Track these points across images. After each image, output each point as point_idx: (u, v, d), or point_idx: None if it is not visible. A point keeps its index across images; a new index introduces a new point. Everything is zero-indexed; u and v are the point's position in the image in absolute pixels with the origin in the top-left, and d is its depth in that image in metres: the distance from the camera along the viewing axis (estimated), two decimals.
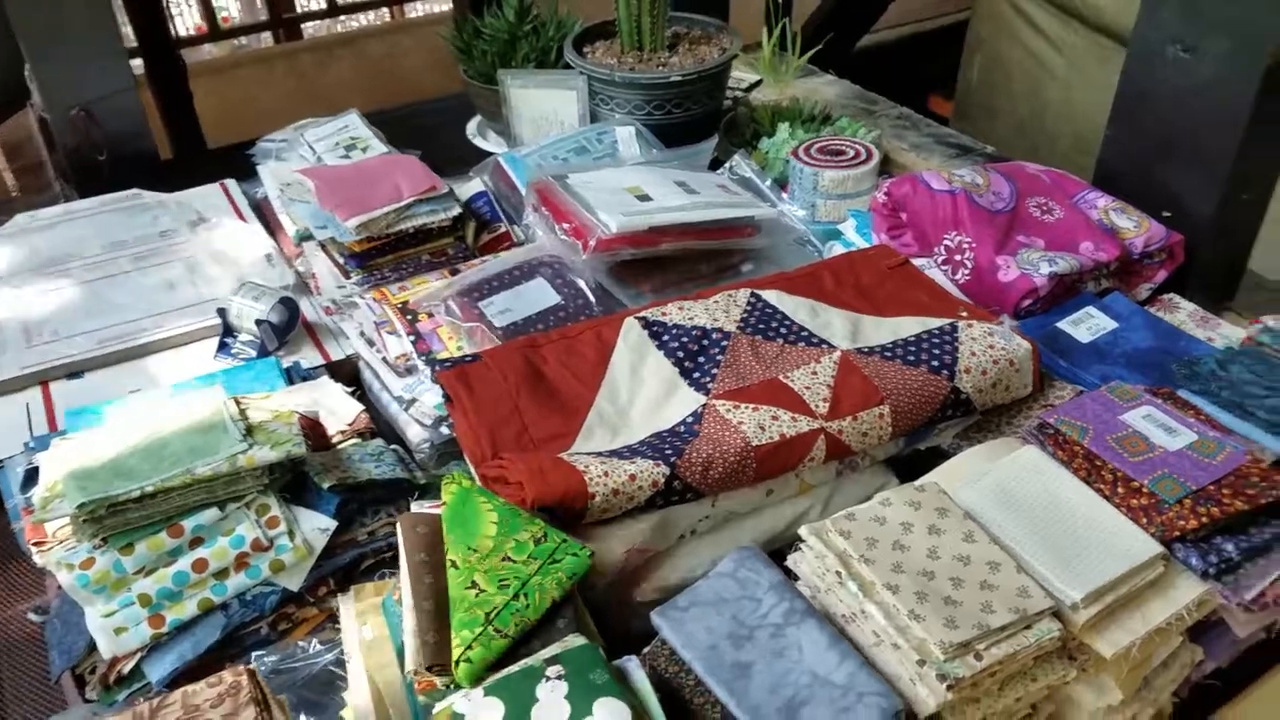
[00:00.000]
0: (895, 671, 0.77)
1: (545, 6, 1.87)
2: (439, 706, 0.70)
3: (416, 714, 0.79)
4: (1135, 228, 1.34)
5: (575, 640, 0.74)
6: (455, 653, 0.74)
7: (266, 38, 4.04)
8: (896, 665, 0.77)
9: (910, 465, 1.09)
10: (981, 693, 0.79)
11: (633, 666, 0.74)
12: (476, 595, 0.76)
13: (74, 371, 1.31)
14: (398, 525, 0.87)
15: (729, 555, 0.85)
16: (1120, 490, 0.93)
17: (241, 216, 1.60)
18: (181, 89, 2.73)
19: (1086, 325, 1.23)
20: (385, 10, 4.21)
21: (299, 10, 3.90)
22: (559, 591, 0.78)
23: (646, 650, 0.81)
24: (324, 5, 3.81)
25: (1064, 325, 1.23)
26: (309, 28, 4.12)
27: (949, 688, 0.74)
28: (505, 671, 0.72)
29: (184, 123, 2.72)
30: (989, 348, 1.08)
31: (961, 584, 0.81)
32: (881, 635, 0.79)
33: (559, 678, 0.70)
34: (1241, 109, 1.26)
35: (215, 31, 3.76)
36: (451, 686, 0.76)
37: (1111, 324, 1.23)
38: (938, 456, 1.08)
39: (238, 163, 1.71)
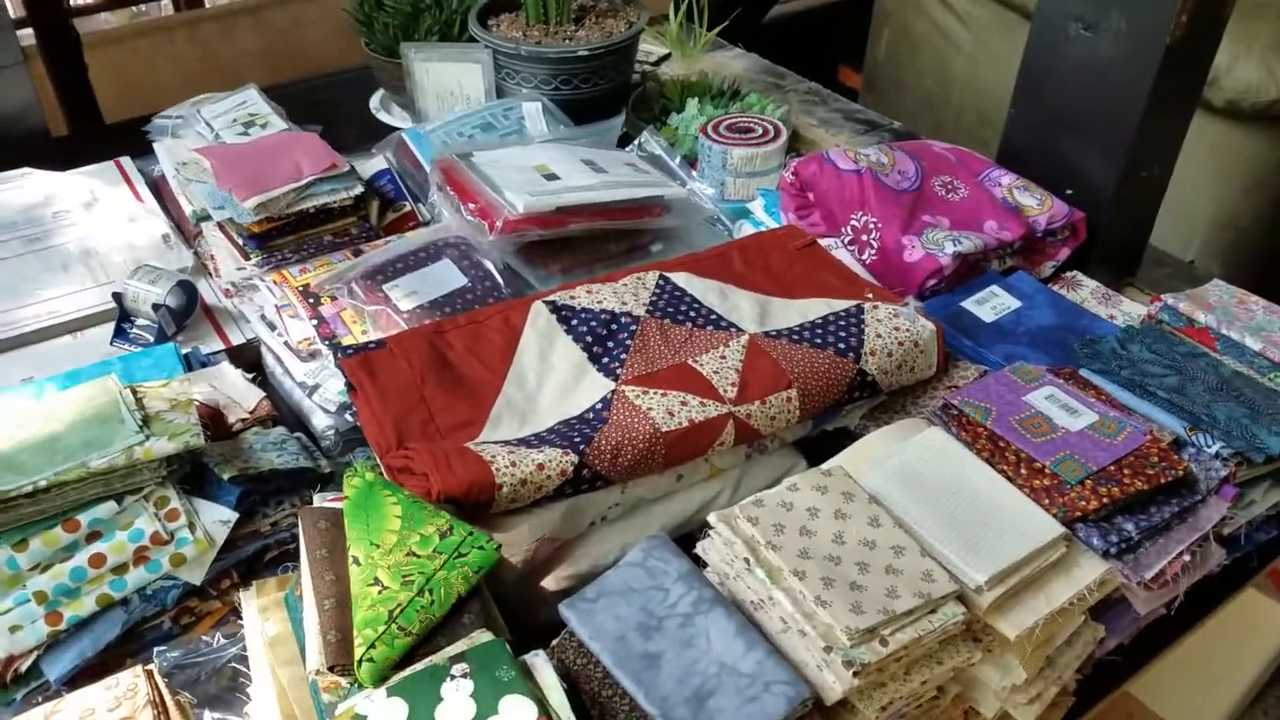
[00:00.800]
0: (802, 658, 0.78)
1: None
2: (341, 707, 0.69)
3: (321, 713, 0.77)
4: (1039, 206, 1.36)
5: (482, 636, 0.73)
6: (358, 652, 0.72)
7: (166, 6, 3.88)
8: (803, 652, 0.78)
9: (817, 446, 1.10)
10: (888, 677, 0.80)
11: (540, 661, 0.73)
12: (380, 592, 0.75)
13: None
14: (299, 520, 0.85)
15: (638, 545, 0.85)
16: (1023, 471, 0.95)
17: (138, 196, 1.53)
18: (76, 61, 2.60)
19: (990, 304, 1.25)
20: None
21: None
22: (465, 586, 0.77)
23: (555, 642, 0.80)
24: None
25: (968, 305, 1.25)
26: None
27: (855, 674, 0.75)
28: (409, 670, 0.71)
29: (79, 97, 2.59)
30: (894, 329, 1.09)
31: (867, 568, 0.82)
32: (789, 622, 0.79)
33: (464, 675, 0.69)
34: (1141, 87, 1.28)
35: None
36: (355, 686, 0.74)
37: (1015, 303, 1.26)
38: (846, 437, 1.09)
39: (134, 139, 1.64)
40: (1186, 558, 0.94)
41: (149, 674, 0.79)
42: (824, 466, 0.94)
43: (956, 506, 0.90)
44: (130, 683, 0.77)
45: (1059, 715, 0.97)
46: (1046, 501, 0.92)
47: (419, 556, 0.78)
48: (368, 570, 0.76)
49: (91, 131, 2.39)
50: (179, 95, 1.73)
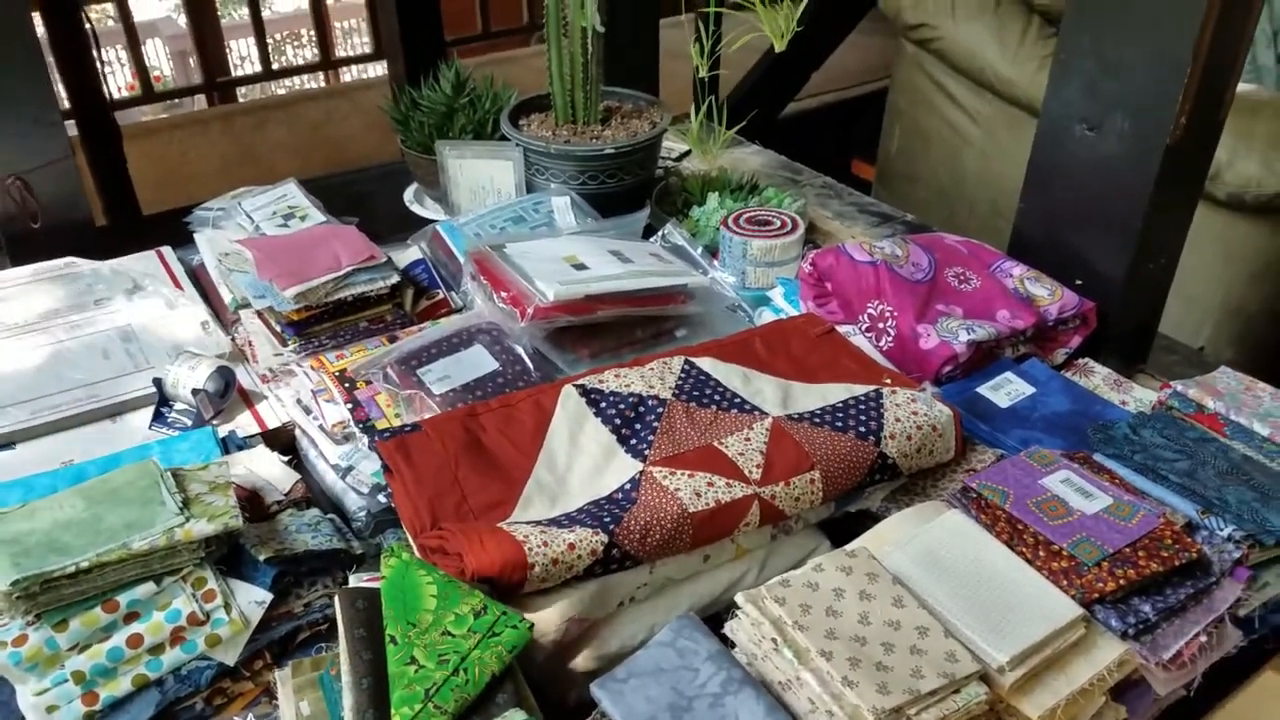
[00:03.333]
0: None
1: (480, 80, 1.91)
2: None
3: None
4: (1049, 295, 1.41)
5: (515, 716, 0.76)
6: None
7: (200, 100, 4.03)
8: None
9: (840, 527, 1.13)
10: None
11: None
12: (416, 671, 0.77)
13: (5, 443, 1.29)
14: (335, 600, 0.87)
15: (668, 625, 0.87)
16: (1041, 553, 0.98)
17: (178, 284, 1.60)
18: (115, 152, 2.71)
19: (1005, 390, 1.29)
20: (320, 75, 4.24)
21: (234, 74, 3.90)
22: (498, 665, 0.79)
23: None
24: (258, 69, 3.82)
25: (984, 390, 1.28)
26: (242, 91, 4.12)
27: None
28: None
29: (118, 187, 2.70)
30: (913, 414, 1.12)
31: (892, 649, 0.84)
32: (816, 703, 0.81)
33: None
34: (1145, 182, 1.33)
35: (149, 93, 3.74)
36: None
37: (1029, 389, 1.29)
38: (868, 518, 1.12)
39: (171, 229, 1.71)
40: (1203, 639, 0.96)
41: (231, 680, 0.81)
42: (848, 548, 0.97)
43: (978, 588, 0.93)
44: None
45: None
46: (1065, 583, 0.94)
47: (454, 636, 0.80)
48: (404, 649, 0.79)
49: (130, 222, 2.48)
50: (213, 186, 1.81)
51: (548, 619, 0.91)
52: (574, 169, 1.72)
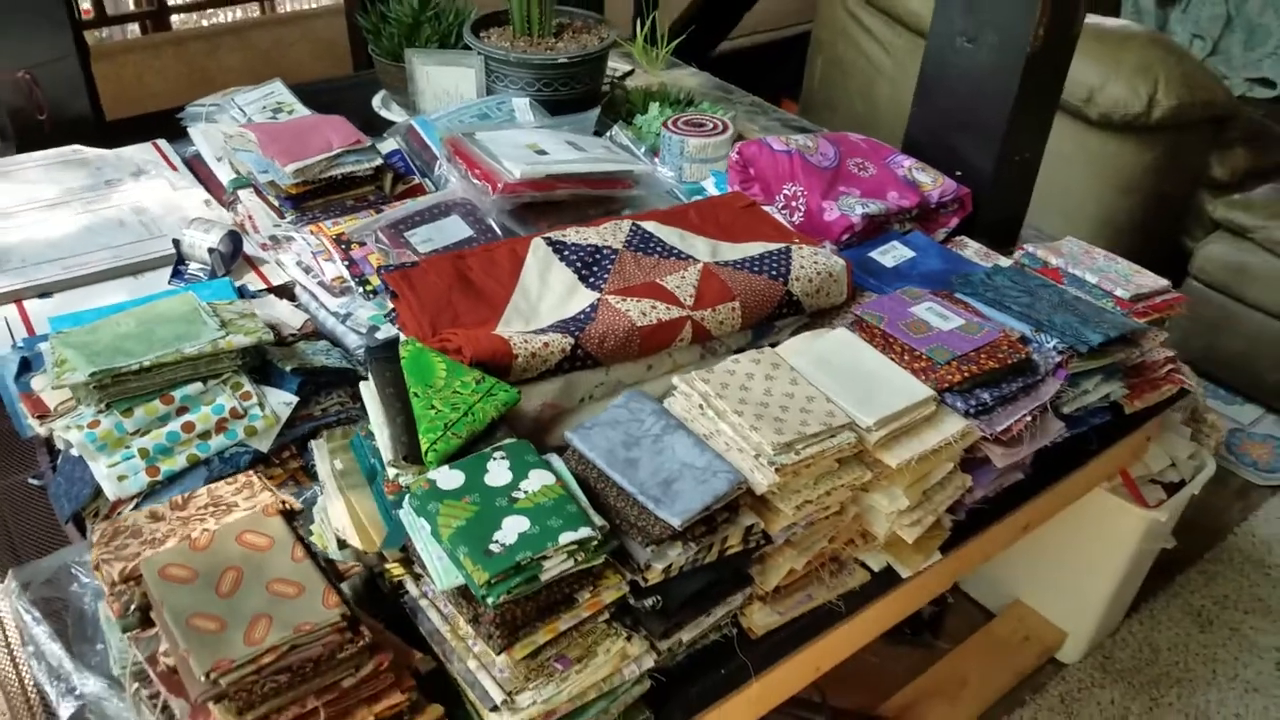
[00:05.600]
0: (741, 465, 1.06)
1: None
2: (413, 480, 0.96)
3: (387, 510, 1.04)
4: (932, 182, 1.69)
5: (508, 440, 1.02)
6: (424, 446, 0.99)
7: (134, 29, 4.12)
8: (741, 461, 1.07)
9: None
10: (800, 483, 1.09)
11: (554, 458, 1.02)
12: (435, 413, 1.02)
13: (44, 292, 1.50)
14: (369, 369, 1.12)
15: (620, 396, 1.14)
16: (906, 357, 1.26)
17: (175, 170, 1.80)
18: (85, 69, 2.85)
19: (891, 254, 1.57)
20: (255, 6, 4.36)
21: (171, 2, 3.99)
22: (496, 413, 1.05)
23: (563, 456, 1.08)
24: None
25: (874, 255, 1.56)
26: (179, 19, 4.21)
27: (776, 470, 1.04)
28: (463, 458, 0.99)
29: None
30: (815, 263, 1.39)
31: (787, 410, 1.11)
32: (730, 443, 1.08)
33: (502, 458, 0.97)
34: (1010, 87, 1.61)
35: (101, 16, 3.84)
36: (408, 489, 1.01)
37: (911, 253, 1.57)
38: None
39: (157, 131, 1.91)
40: (1029, 419, 1.25)
41: (257, 474, 1.06)
42: (756, 351, 1.23)
43: (855, 378, 1.20)
44: (245, 480, 1.04)
45: (936, 544, 1.27)
46: (922, 377, 1.22)
47: (461, 394, 1.05)
48: (425, 400, 1.04)
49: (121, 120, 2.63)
50: (167, 102, 2.02)
51: (527, 401, 1.17)
52: (530, 76, 1.95)
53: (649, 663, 0.99)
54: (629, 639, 0.99)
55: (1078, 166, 2.50)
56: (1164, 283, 1.53)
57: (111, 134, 1.91)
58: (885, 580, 1.25)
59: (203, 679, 0.76)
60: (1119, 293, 1.48)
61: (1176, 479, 1.80)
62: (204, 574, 0.85)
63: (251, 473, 1.08)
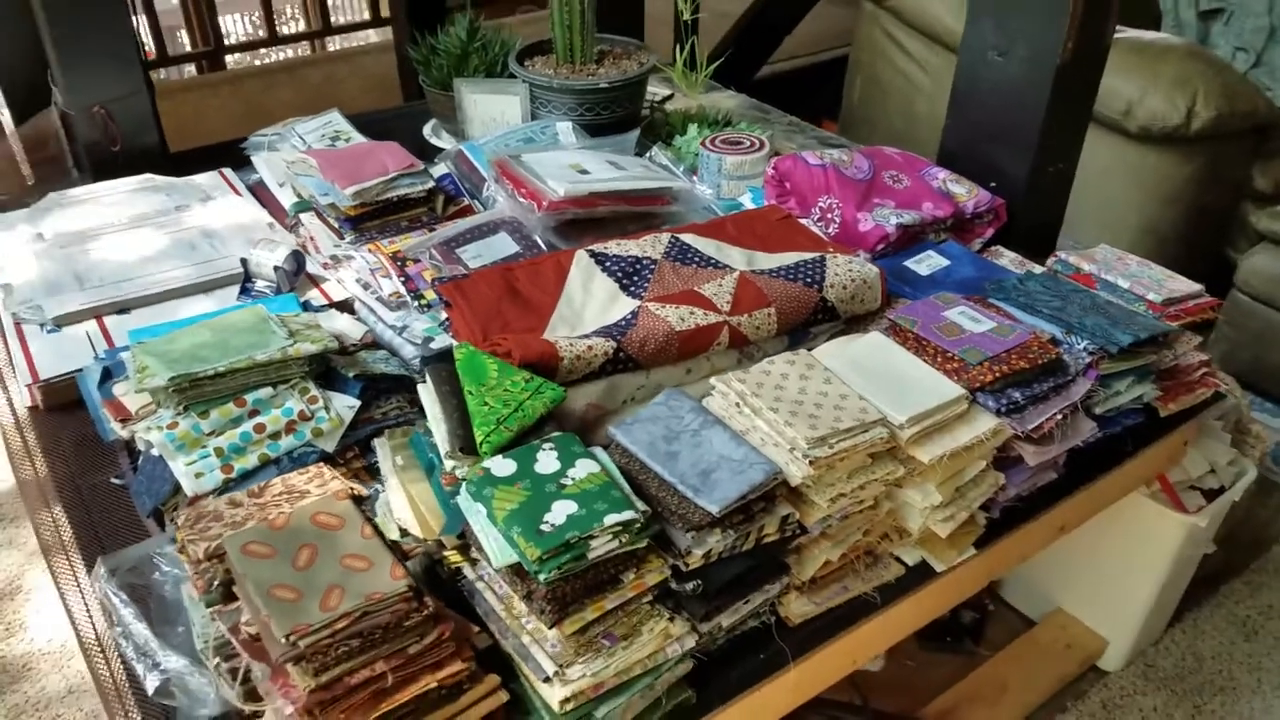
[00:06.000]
0: (776, 458, 1.12)
1: (489, 29, 2.22)
2: (469, 469, 1.03)
3: (444, 501, 1.11)
4: (967, 193, 1.73)
5: (556, 434, 1.08)
6: (478, 439, 1.06)
7: (190, 69, 4.30)
8: (776, 455, 1.12)
9: None
10: (834, 477, 1.14)
11: (598, 450, 1.08)
12: (488, 409, 1.09)
13: (123, 308, 1.60)
14: (427, 375, 1.19)
15: (660, 395, 1.20)
16: (938, 359, 1.30)
17: (240, 195, 1.91)
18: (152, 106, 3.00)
19: (926, 263, 1.62)
20: (306, 45, 4.53)
21: (226, 42, 4.17)
22: (544, 409, 1.11)
23: (606, 450, 1.14)
24: (248, 37, 4.10)
25: (909, 263, 1.61)
26: (233, 59, 4.40)
27: (811, 463, 1.10)
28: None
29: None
30: (849, 270, 1.45)
31: (821, 407, 1.17)
32: (766, 438, 1.14)
33: (551, 448, 1.04)
34: (1041, 98, 1.66)
35: (163, 57, 4.02)
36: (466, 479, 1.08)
37: (945, 262, 1.62)
38: None
39: (221, 160, 2.02)
40: (1060, 417, 1.29)
41: (334, 466, 1.13)
42: (791, 354, 1.29)
43: (888, 379, 1.25)
44: (316, 470, 1.12)
45: (970, 540, 1.31)
46: (954, 378, 1.27)
47: (511, 391, 1.12)
48: (479, 398, 1.11)
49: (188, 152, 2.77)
50: (225, 137, 2.13)
51: (574, 400, 1.23)
52: (573, 101, 2.03)
53: (691, 643, 1.05)
54: (671, 620, 1.04)
55: (1118, 179, 2.53)
56: (1197, 287, 1.56)
57: (176, 164, 2.03)
58: (920, 574, 1.29)
59: (283, 640, 0.83)
60: (1151, 296, 1.51)
61: (1216, 485, 1.82)
62: (282, 550, 0.93)
63: (322, 464, 1.16)
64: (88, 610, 1.21)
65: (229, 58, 4.26)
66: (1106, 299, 1.47)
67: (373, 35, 4.74)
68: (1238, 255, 2.66)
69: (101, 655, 1.12)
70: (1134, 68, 2.44)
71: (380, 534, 0.97)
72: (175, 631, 1.09)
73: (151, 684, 1.01)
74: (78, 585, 1.25)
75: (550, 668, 0.97)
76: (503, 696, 0.97)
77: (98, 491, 1.35)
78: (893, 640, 1.31)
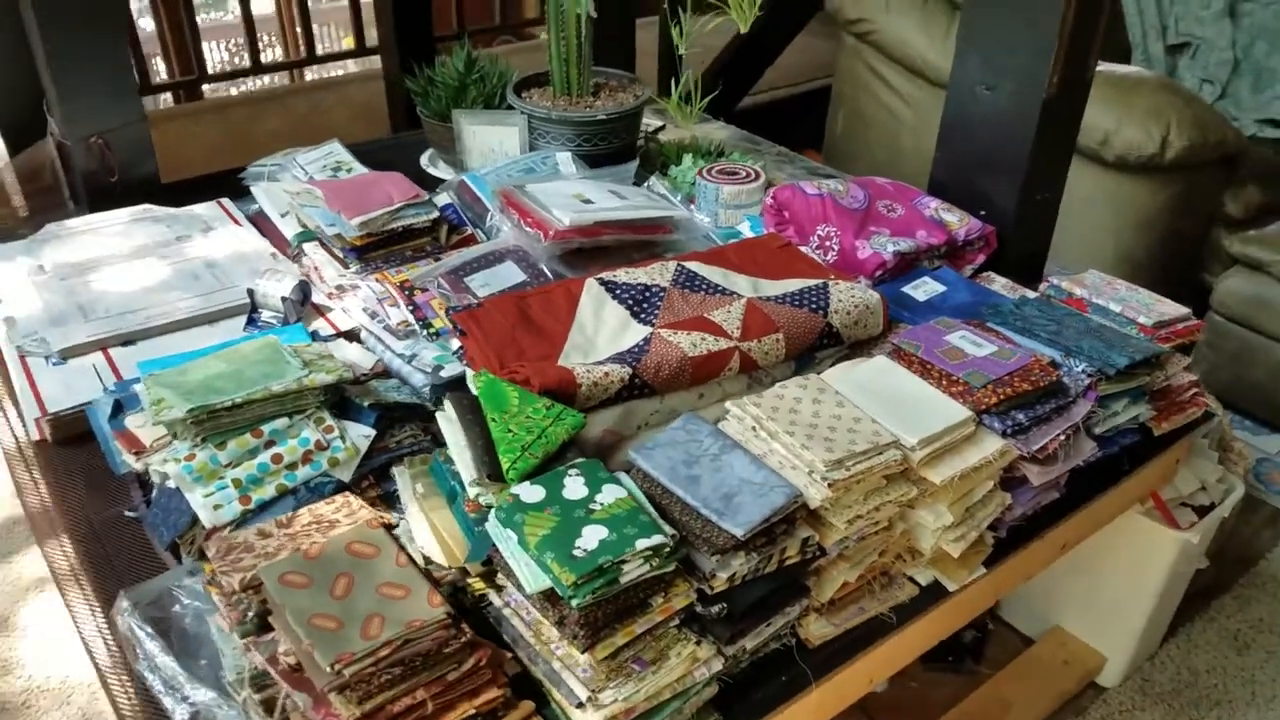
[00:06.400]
0: (795, 481, 1.14)
1: (487, 60, 2.25)
2: (497, 496, 1.05)
3: (469, 529, 1.12)
4: (958, 221, 1.78)
5: (580, 460, 1.10)
6: (505, 465, 1.08)
7: (167, 99, 4.29)
8: (795, 478, 1.14)
9: None
10: (851, 499, 1.16)
11: (622, 475, 1.10)
12: (512, 436, 1.11)
13: (128, 340, 1.60)
14: (449, 404, 1.21)
15: (678, 420, 1.22)
16: (943, 383, 1.34)
17: (240, 225, 1.92)
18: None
19: (923, 289, 1.65)
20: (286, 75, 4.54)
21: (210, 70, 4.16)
22: (566, 435, 1.13)
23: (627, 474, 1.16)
24: (224, 65, 4.10)
25: (906, 289, 1.65)
26: (209, 88, 4.39)
27: (829, 485, 1.12)
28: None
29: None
30: (852, 296, 1.48)
31: (835, 430, 1.19)
32: (784, 461, 1.16)
33: (577, 474, 1.06)
34: (1028, 130, 1.71)
35: (145, 85, 4.02)
36: (489, 506, 1.10)
37: (941, 288, 1.65)
38: None
39: (213, 191, 2.03)
40: (1063, 438, 1.32)
41: (356, 495, 1.14)
42: (802, 378, 1.32)
43: (896, 402, 1.28)
44: (342, 501, 1.13)
45: (979, 559, 1.34)
46: (960, 400, 1.30)
47: (533, 418, 1.14)
48: (502, 425, 1.12)
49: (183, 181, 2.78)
50: (209, 166, 2.13)
51: (591, 427, 1.25)
52: (570, 133, 2.06)
53: (718, 666, 1.07)
54: (698, 643, 1.06)
55: (1097, 207, 2.59)
56: (1184, 310, 1.61)
57: (170, 195, 2.03)
58: (932, 594, 1.31)
59: (328, 669, 0.84)
60: (1142, 320, 1.56)
61: (1207, 502, 1.86)
62: (318, 579, 0.94)
63: (348, 494, 1.17)
64: (105, 644, 1.21)
65: (205, 86, 4.26)
66: (1100, 323, 1.51)
67: (351, 65, 4.76)
68: (1212, 279, 2.73)
69: (121, 689, 1.12)
70: (1110, 100, 2.50)
71: (414, 562, 0.98)
72: (198, 664, 1.09)
73: (180, 717, 1.01)
74: (94, 619, 1.25)
75: (583, 693, 0.98)
76: None
77: (109, 525, 1.35)
78: (908, 659, 1.33)
